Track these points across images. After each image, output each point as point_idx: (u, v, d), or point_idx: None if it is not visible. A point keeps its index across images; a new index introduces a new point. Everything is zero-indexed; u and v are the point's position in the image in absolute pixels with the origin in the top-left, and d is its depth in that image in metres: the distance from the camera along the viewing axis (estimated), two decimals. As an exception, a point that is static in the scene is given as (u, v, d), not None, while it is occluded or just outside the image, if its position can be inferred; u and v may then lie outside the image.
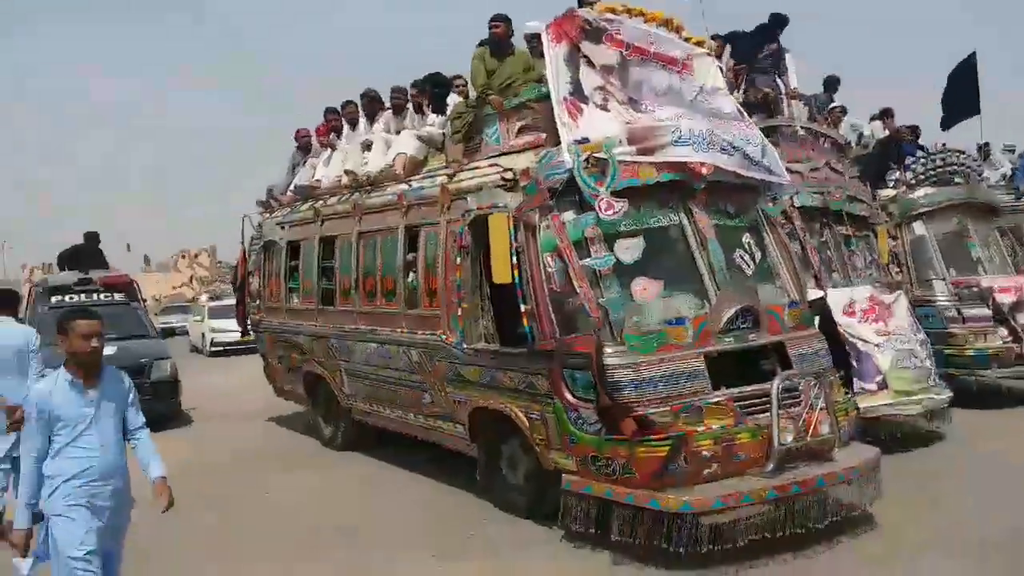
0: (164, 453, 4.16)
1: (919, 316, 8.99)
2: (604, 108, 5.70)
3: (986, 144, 12.48)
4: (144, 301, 14.13)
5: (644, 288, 5.47)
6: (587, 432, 5.29)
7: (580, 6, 6.15)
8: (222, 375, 16.76)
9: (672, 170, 5.66)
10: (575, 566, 5.26)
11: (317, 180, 8.97)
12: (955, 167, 10.47)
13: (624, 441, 5.06)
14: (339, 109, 9.29)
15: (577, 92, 5.66)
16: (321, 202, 8.76)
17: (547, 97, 5.80)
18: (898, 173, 10.72)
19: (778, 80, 9.68)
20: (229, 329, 20.05)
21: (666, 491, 4.97)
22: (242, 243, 10.49)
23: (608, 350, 5.19)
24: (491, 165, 6.12)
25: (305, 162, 9.54)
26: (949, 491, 6.40)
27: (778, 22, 9.94)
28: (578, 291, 5.34)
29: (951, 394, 7.90)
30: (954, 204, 10.36)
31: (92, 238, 13.46)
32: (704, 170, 5.69)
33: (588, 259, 5.41)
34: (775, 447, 5.12)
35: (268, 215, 10.04)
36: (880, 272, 8.86)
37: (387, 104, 8.63)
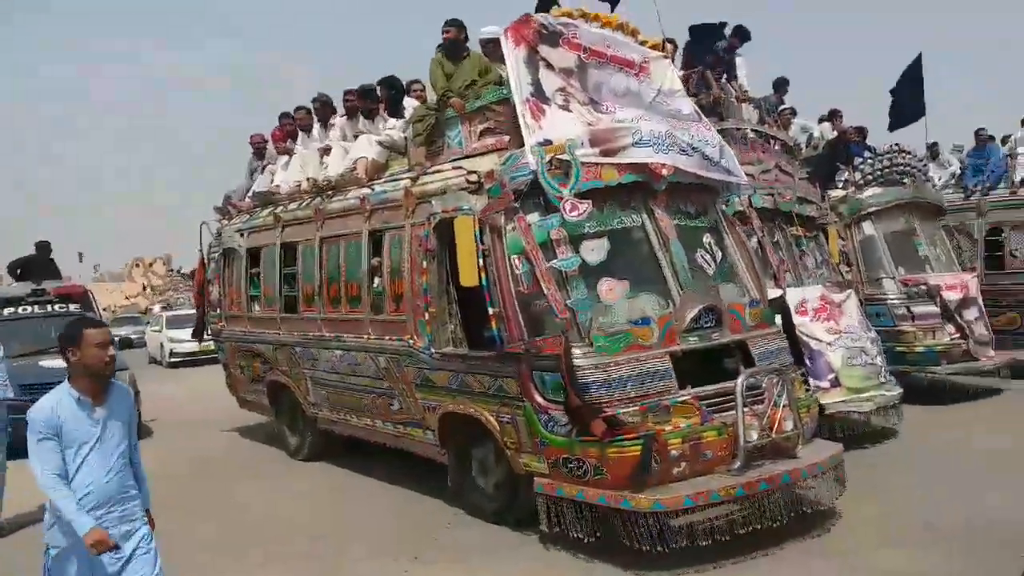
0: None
1: (870, 314, 9.24)
2: (566, 109, 5.73)
3: (935, 144, 12.80)
4: (103, 312, 13.91)
5: (610, 289, 5.52)
6: (558, 434, 5.33)
7: (540, 10, 6.22)
8: (181, 386, 16.50)
9: (634, 171, 5.71)
10: (547, 569, 5.29)
11: (276, 186, 8.91)
12: (902, 167, 10.75)
13: (595, 442, 5.10)
14: (292, 114, 9.26)
15: (539, 94, 5.69)
16: (281, 208, 8.69)
17: (508, 99, 5.84)
18: (847, 174, 10.99)
19: (729, 84, 9.87)
20: (188, 339, 19.89)
21: (636, 492, 5.02)
22: (200, 250, 10.36)
23: (576, 351, 5.24)
24: (455, 168, 6.14)
25: (263, 168, 9.47)
26: (905, 485, 6.58)
27: (741, 36, 10.13)
28: (545, 293, 5.39)
29: (901, 390, 8.11)
30: (901, 204, 10.64)
31: (43, 248, 13.18)
32: (665, 171, 5.76)
33: (554, 260, 5.45)
34: (741, 445, 5.22)
35: (226, 222, 9.93)
36: (830, 271, 9.05)
37: (339, 109, 8.63)
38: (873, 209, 10.52)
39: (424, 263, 6.31)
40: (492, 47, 6.30)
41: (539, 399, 5.43)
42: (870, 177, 10.72)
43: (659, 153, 5.75)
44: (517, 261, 5.53)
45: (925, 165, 11.37)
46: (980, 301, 10.20)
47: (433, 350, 6.28)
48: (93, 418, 3.53)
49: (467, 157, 6.17)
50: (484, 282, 5.63)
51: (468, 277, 5.62)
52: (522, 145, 5.63)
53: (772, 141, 9.24)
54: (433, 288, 6.26)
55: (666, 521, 4.99)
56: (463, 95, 6.32)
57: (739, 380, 5.31)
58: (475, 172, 5.81)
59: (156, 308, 27.95)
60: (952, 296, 9.99)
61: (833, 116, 11.87)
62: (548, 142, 5.52)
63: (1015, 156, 11.37)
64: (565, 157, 5.47)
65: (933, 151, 12.74)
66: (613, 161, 5.63)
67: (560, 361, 5.20)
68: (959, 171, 12.44)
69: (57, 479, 3.45)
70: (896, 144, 10.97)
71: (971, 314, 10.02)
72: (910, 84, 11.48)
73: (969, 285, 10.20)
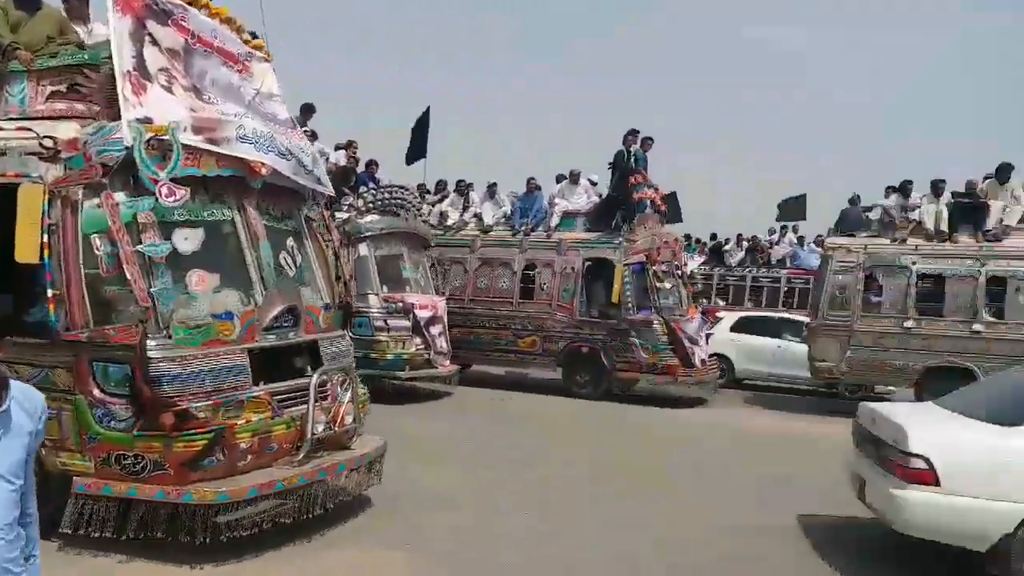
0: None
1: (356, 324, 10.31)
2: (169, 91, 5.45)
3: (494, 184, 14.88)
4: None
5: (199, 281, 5.40)
6: (114, 429, 5.04)
7: None
8: None
9: (233, 165, 5.64)
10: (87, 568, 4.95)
11: None
12: (400, 201, 12.32)
13: (160, 436, 4.95)
14: None
15: (141, 69, 5.32)
16: None
17: (99, 65, 5.36)
18: (351, 199, 12.09)
19: None
20: None
21: (199, 484, 5.01)
22: None
23: (152, 343, 5.02)
24: (19, 128, 5.32)
25: None
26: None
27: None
28: (128, 278, 5.03)
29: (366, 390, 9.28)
30: (394, 232, 12.21)
31: None
32: (264, 170, 5.80)
33: (142, 245, 5.12)
34: (309, 438, 5.55)
35: None
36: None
37: None
38: (369, 233, 11.87)
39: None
40: (74, 5, 5.67)
41: (97, 392, 5.07)
42: (371, 205, 12.03)
43: (260, 152, 5.77)
44: (98, 241, 5.08)
45: (420, 201, 13.11)
46: (445, 320, 12.34)
47: (-41, 333, 5.29)
48: None
49: (30, 118, 5.42)
50: (47, 260, 5.03)
51: (27, 253, 4.97)
52: (114, 118, 5.21)
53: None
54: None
55: (212, 516, 5.02)
56: (34, 50, 5.53)
57: (314, 378, 5.66)
58: (52, 137, 5.14)
59: None
60: (423, 314, 11.95)
61: (349, 146, 12.86)
62: (149, 120, 5.19)
63: (553, 205, 14.01)
64: (167, 138, 5.19)
65: (491, 190, 14.82)
66: (215, 150, 5.51)
67: (134, 352, 4.96)
68: (510, 211, 14.61)
69: None
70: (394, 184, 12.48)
71: (436, 330, 12.13)
72: (420, 130, 13.00)
73: (438, 305, 12.28)
